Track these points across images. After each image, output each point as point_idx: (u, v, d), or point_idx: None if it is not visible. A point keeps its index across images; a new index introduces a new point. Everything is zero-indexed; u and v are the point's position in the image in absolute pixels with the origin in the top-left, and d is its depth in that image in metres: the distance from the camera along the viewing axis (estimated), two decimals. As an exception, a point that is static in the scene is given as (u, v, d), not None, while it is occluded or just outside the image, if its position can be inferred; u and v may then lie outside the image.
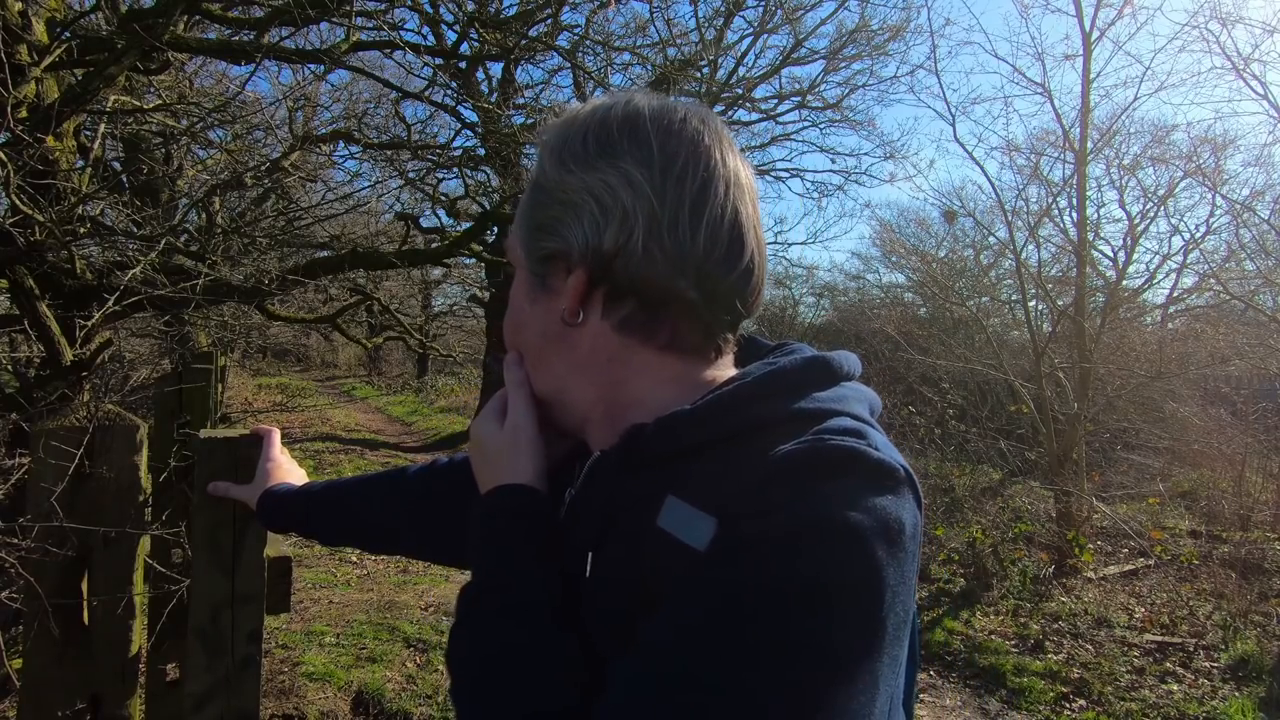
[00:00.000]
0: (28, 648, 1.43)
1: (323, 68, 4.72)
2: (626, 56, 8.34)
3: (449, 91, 7.51)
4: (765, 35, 11.78)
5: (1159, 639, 4.64)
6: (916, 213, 18.77)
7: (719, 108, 11.25)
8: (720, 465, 0.63)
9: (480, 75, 10.30)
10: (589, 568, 0.66)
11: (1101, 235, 8.93)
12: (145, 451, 1.55)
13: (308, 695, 3.34)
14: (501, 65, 9.32)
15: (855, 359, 0.72)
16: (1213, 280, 7.67)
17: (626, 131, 0.68)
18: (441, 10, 7.09)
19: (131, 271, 3.14)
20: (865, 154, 22.70)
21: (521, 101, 9.60)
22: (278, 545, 1.62)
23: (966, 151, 14.10)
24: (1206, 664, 4.33)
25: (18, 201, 2.72)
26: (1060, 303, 7.48)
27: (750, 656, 0.53)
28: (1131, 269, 8.51)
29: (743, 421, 0.64)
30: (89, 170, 3.83)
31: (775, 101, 12.70)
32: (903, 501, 0.58)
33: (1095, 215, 8.26)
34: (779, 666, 0.52)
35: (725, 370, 0.72)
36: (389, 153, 6.34)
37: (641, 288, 0.68)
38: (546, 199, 0.71)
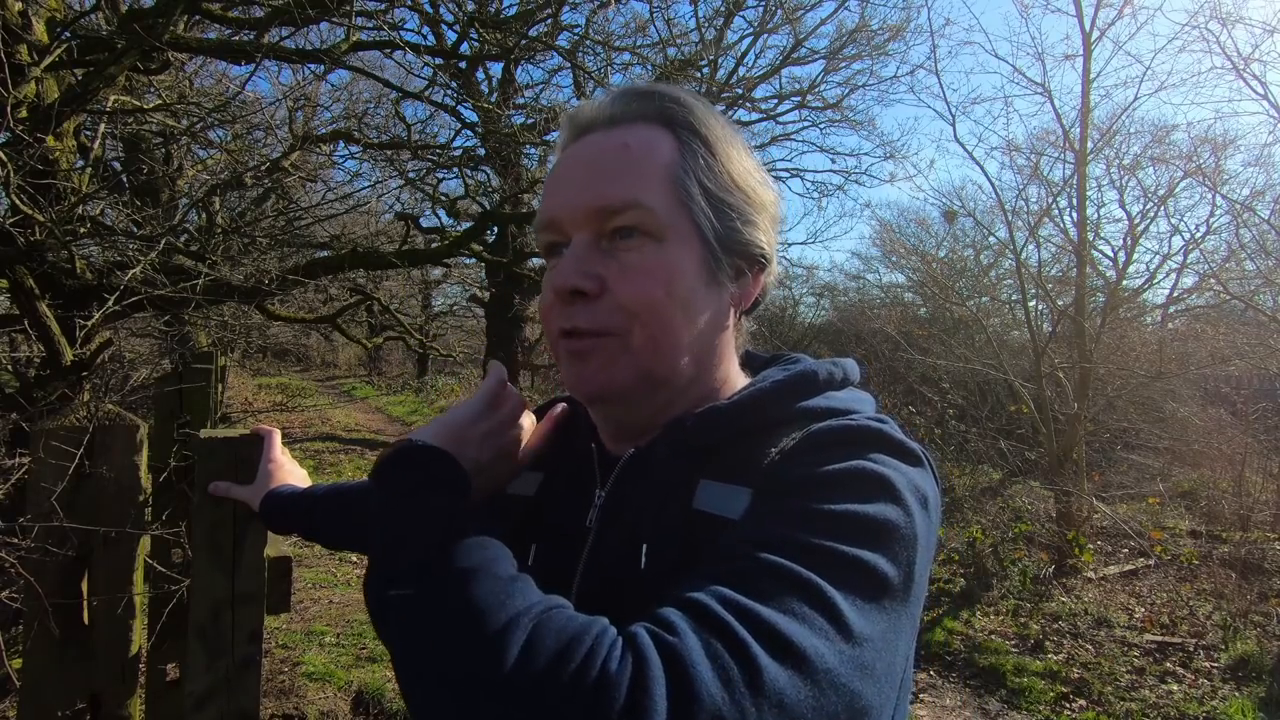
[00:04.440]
0: (28, 648, 1.43)
1: (323, 68, 4.72)
2: (626, 56, 8.33)
3: (449, 91, 7.50)
4: (765, 35, 11.79)
5: (1159, 639, 4.64)
6: (916, 213, 18.78)
7: (719, 107, 11.25)
8: (745, 449, 0.66)
9: (480, 75, 10.31)
10: (644, 561, 0.65)
11: (1101, 235, 8.94)
12: (145, 451, 1.55)
13: (308, 695, 3.34)
14: (501, 65, 9.33)
15: (855, 366, 0.76)
16: (1213, 280, 7.67)
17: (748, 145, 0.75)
18: (441, 10, 7.08)
19: (131, 271, 3.13)
20: (865, 154, 22.78)
21: (521, 101, 9.61)
22: (278, 545, 1.62)
23: (966, 151, 14.16)
24: (1206, 664, 4.33)
25: (18, 201, 2.72)
26: (1060, 303, 7.48)
27: (806, 560, 0.53)
28: (1131, 269, 8.52)
29: (770, 416, 0.68)
30: (89, 170, 3.83)
31: (775, 101, 12.72)
32: (925, 475, 0.63)
33: (1095, 215, 8.27)
34: (832, 576, 0.53)
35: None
36: (389, 153, 6.33)
37: (762, 298, 0.76)
38: (736, 189, 0.71)
